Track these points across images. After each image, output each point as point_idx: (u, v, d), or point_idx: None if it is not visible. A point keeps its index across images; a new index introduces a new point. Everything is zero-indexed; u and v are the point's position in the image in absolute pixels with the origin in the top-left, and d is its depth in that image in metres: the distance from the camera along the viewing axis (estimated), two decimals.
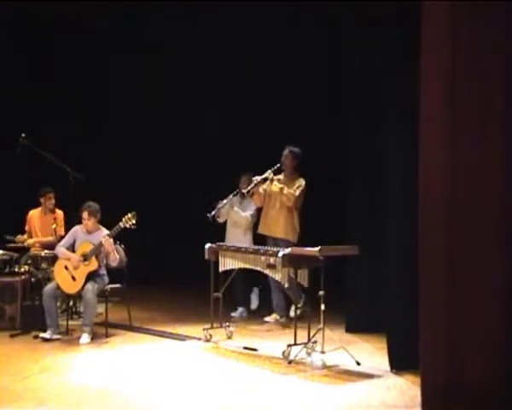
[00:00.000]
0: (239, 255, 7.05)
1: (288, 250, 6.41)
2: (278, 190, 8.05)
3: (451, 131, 4.67)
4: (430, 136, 4.74)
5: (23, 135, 8.74)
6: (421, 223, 4.78)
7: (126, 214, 7.38)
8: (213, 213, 8.38)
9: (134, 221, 7.35)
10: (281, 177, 8.23)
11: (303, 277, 6.47)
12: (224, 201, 8.45)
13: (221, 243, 7.40)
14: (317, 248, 6.14)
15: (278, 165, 8.10)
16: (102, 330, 7.49)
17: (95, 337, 7.29)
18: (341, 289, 7.75)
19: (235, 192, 8.49)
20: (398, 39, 5.90)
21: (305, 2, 10.02)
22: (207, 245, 7.41)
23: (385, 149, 6.24)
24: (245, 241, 8.30)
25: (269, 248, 6.75)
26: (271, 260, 6.57)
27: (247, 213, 8.57)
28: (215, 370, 6.13)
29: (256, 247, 7.10)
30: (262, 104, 10.88)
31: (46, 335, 7.19)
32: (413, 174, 4.97)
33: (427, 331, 4.75)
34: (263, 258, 6.71)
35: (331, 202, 9.87)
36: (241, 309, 8.65)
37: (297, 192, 8.04)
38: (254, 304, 8.98)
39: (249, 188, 8.05)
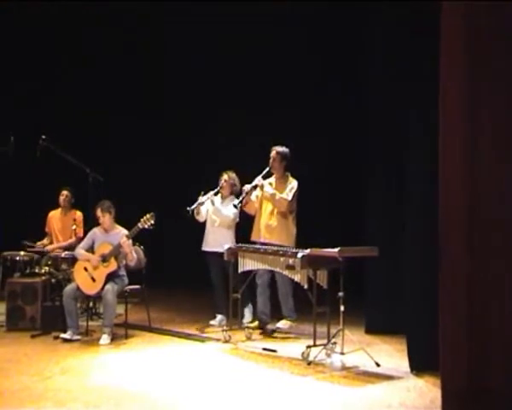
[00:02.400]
0: (258, 256, 7.03)
1: (307, 251, 6.39)
2: (270, 196, 7.60)
3: (471, 130, 4.63)
4: (450, 137, 4.70)
5: (43, 137, 8.78)
6: (442, 224, 4.75)
7: (145, 215, 7.40)
8: (193, 206, 7.92)
9: (152, 222, 7.37)
10: (272, 180, 7.78)
11: (322, 278, 6.45)
12: (205, 197, 8.00)
13: (240, 244, 7.36)
14: (336, 250, 6.11)
15: (267, 169, 7.65)
16: (122, 331, 7.52)
17: (114, 338, 7.32)
18: (361, 291, 7.73)
19: (215, 190, 8.11)
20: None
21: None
22: (226, 246, 7.42)
23: (405, 149, 6.22)
24: (226, 242, 7.72)
25: (288, 249, 6.71)
26: (290, 261, 6.55)
27: (230, 213, 8.04)
28: (234, 371, 6.12)
29: (275, 248, 7.07)
30: (290, 122, 10.83)
31: (66, 335, 7.23)
32: (433, 174, 4.94)
33: (447, 332, 4.72)
34: (282, 259, 6.69)
35: (349, 202, 9.88)
36: (220, 317, 8.16)
37: (289, 196, 7.57)
38: (247, 319, 8.11)
39: (240, 199, 7.69)
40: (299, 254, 6.39)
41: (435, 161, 4.83)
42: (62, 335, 7.25)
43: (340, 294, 6.22)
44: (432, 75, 5.05)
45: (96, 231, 7.71)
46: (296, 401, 5.20)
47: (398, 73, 6.77)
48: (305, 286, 6.49)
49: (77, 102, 11.33)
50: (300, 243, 6.91)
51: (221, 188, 8.16)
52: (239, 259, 7.20)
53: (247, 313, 8.13)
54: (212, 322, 8.16)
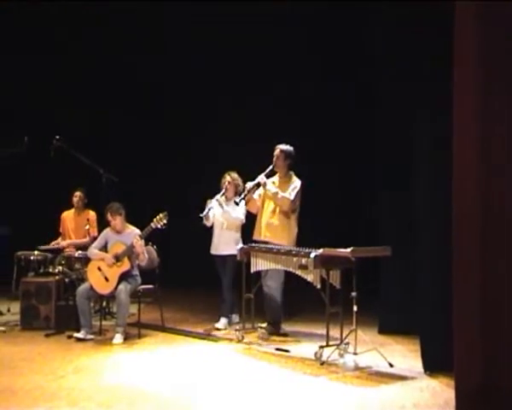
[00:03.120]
0: (271, 256, 7.02)
1: (320, 251, 6.38)
2: (272, 194, 7.46)
3: (484, 129, 4.61)
4: (463, 137, 4.68)
5: (57, 137, 8.82)
6: (455, 223, 4.72)
7: (158, 215, 7.41)
8: (205, 213, 7.83)
9: (165, 221, 7.38)
10: (275, 179, 7.65)
11: (335, 278, 6.44)
12: (213, 201, 7.95)
13: (253, 244, 7.36)
14: (349, 249, 6.10)
15: (271, 167, 7.54)
16: (135, 331, 7.53)
17: (127, 338, 7.34)
18: (374, 291, 7.71)
19: (221, 193, 8.00)
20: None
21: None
22: (239, 246, 7.42)
23: (417, 148, 6.21)
24: (236, 243, 7.80)
25: (301, 249, 6.70)
26: (303, 260, 6.54)
27: (240, 213, 7.96)
28: (247, 371, 6.12)
29: (287, 247, 7.06)
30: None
31: (80, 335, 7.25)
32: (446, 175, 4.91)
33: (461, 333, 4.69)
34: (295, 259, 6.68)
35: (358, 202, 9.90)
36: (224, 320, 7.96)
37: (292, 196, 7.40)
38: (234, 320, 8.11)
39: (242, 196, 7.53)
40: (312, 254, 6.38)
41: (448, 160, 4.81)
42: (76, 334, 7.28)
43: (353, 294, 6.21)
44: (442, 75, 5.04)
45: (108, 230, 7.73)
46: (309, 401, 5.20)
47: (408, 71, 6.73)
48: (318, 286, 6.46)
49: (89, 101, 11.37)
50: (308, 243, 6.86)
51: (226, 190, 8.03)
52: (251, 259, 7.19)
53: (236, 318, 8.08)
54: (217, 325, 7.95)
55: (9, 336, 7.58)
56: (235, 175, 8.11)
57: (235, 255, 7.58)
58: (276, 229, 7.48)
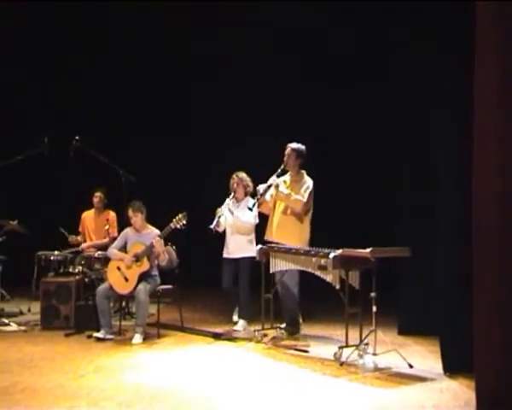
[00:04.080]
0: (290, 257, 7.01)
1: (339, 252, 6.36)
2: (285, 196, 7.36)
3: (507, 128, 4.58)
4: (484, 136, 4.65)
5: (76, 137, 8.87)
6: (475, 223, 4.69)
7: (177, 215, 7.43)
8: (214, 223, 7.71)
9: (185, 222, 7.39)
10: (286, 178, 7.55)
11: (354, 278, 6.42)
12: (222, 207, 7.82)
13: (272, 245, 7.35)
14: (368, 250, 6.09)
15: (282, 167, 7.40)
16: (154, 331, 7.56)
17: (147, 338, 7.37)
18: (393, 291, 7.68)
19: (231, 197, 7.91)
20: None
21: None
22: (258, 246, 7.41)
23: (436, 148, 6.18)
24: (248, 246, 7.82)
25: (320, 250, 6.68)
26: (322, 261, 6.54)
27: (250, 217, 7.84)
28: (266, 371, 6.12)
29: (306, 248, 7.05)
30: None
31: (99, 335, 7.29)
32: (466, 173, 4.89)
33: (481, 333, 4.66)
34: (314, 259, 6.67)
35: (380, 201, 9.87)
36: (242, 322, 7.89)
37: (305, 197, 7.30)
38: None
39: (255, 201, 7.46)
40: (331, 255, 6.37)
41: (469, 159, 4.78)
42: (95, 334, 7.32)
43: (373, 294, 6.19)
44: (461, 72, 5.02)
45: (128, 230, 7.78)
46: (328, 401, 5.18)
47: (428, 71, 6.70)
48: (337, 287, 6.44)
49: (109, 102, 11.42)
50: (325, 243, 6.82)
51: (235, 192, 7.95)
52: (271, 259, 7.19)
53: (242, 325, 7.91)
54: (236, 328, 7.87)
55: (30, 335, 7.63)
56: (243, 175, 8.03)
57: (247, 258, 7.61)
58: (287, 230, 7.43)
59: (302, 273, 7.16)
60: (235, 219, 7.93)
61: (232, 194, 7.97)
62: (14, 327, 7.89)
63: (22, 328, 7.88)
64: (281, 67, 10.95)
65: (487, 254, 4.63)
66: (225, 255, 8.05)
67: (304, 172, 7.56)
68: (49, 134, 8.77)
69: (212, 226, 7.71)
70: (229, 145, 11.10)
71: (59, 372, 5.95)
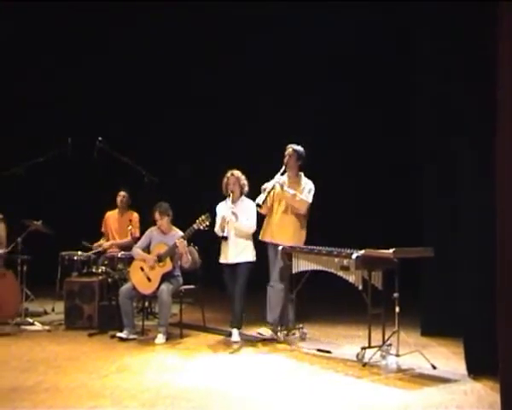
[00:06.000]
0: (312, 257, 7.00)
1: (361, 252, 6.34)
2: (290, 196, 7.33)
3: None
4: (507, 139, 4.61)
5: (99, 138, 8.93)
6: (499, 223, 4.65)
7: (200, 216, 7.43)
8: (225, 234, 7.39)
9: (208, 223, 7.38)
10: (284, 179, 7.48)
11: (377, 279, 6.40)
12: (228, 214, 7.40)
13: (294, 245, 7.33)
14: (391, 250, 6.06)
15: (284, 168, 7.37)
16: (177, 331, 7.59)
17: (169, 338, 7.39)
18: (416, 292, 7.63)
19: (230, 200, 7.50)
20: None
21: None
22: (280, 247, 7.39)
23: (460, 149, 6.14)
24: (246, 251, 7.48)
25: (342, 250, 6.65)
26: (345, 261, 6.52)
27: (251, 220, 7.50)
28: (289, 372, 6.12)
29: (328, 248, 7.02)
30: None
31: (123, 334, 7.33)
32: (490, 174, 4.85)
33: (505, 334, 4.62)
34: (336, 260, 6.65)
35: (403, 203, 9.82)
36: (235, 331, 7.44)
37: (310, 198, 7.36)
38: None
39: (264, 198, 7.25)
40: (354, 255, 6.36)
41: (491, 160, 4.75)
42: (119, 334, 7.36)
43: (396, 295, 6.16)
44: (487, 78, 4.99)
45: (153, 230, 7.80)
46: (351, 402, 5.17)
47: (452, 75, 6.66)
48: (360, 287, 6.43)
49: (132, 103, 11.47)
50: (348, 244, 6.77)
51: (232, 193, 7.52)
52: (293, 259, 7.18)
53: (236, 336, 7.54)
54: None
55: (54, 335, 7.69)
56: (238, 173, 7.66)
57: (244, 264, 7.45)
58: (288, 230, 7.44)
59: (323, 274, 7.07)
60: (239, 223, 7.47)
61: (230, 194, 7.55)
62: (38, 327, 7.95)
63: (46, 327, 7.94)
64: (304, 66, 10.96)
65: (511, 255, 4.58)
66: (223, 261, 7.60)
67: (302, 174, 7.57)
68: (72, 135, 8.83)
69: (223, 234, 7.43)
70: (235, 144, 11.10)
71: (82, 372, 5.99)
